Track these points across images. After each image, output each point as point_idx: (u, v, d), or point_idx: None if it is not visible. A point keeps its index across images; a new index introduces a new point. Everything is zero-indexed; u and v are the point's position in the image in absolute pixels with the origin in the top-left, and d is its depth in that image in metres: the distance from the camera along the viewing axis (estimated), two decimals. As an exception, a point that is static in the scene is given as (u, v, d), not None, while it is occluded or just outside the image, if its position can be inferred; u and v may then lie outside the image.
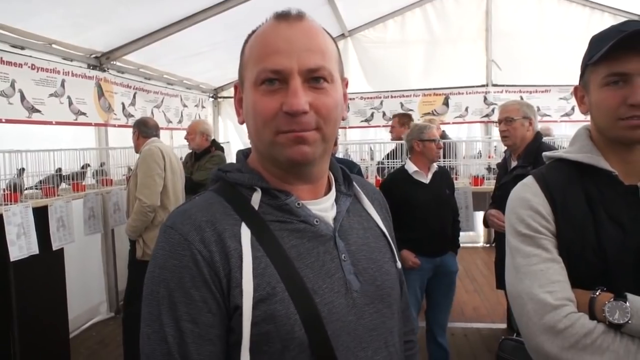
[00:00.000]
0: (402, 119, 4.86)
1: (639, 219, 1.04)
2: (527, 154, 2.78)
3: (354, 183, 0.97)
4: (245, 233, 0.79)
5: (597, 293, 1.01)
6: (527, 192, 1.15)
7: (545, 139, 3.07)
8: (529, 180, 1.18)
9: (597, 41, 1.09)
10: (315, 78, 0.79)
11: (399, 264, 0.97)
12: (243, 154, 0.92)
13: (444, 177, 3.22)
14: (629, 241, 1.04)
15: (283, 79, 0.78)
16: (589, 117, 1.18)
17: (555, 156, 1.21)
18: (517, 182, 1.22)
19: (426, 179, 3.10)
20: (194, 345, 0.76)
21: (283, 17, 0.81)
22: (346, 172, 0.96)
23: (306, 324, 0.77)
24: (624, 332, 0.96)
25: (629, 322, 0.95)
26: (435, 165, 3.15)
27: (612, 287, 1.01)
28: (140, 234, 3.25)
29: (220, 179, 0.89)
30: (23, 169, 3.15)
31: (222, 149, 4.39)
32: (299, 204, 0.84)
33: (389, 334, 0.89)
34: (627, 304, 0.96)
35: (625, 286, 1.01)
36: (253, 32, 0.86)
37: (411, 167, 3.11)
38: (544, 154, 1.26)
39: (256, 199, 0.83)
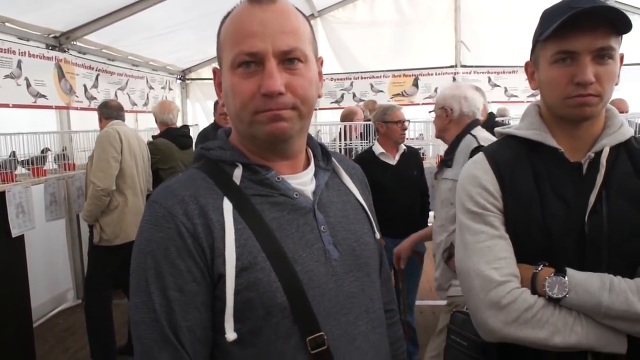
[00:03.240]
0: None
1: (582, 195, 1.06)
2: None
3: (333, 158, 1.00)
4: (228, 206, 0.83)
5: (539, 268, 1.03)
6: (477, 169, 1.17)
7: (500, 119, 3.13)
8: (480, 157, 1.20)
9: (547, 16, 1.09)
10: (289, 59, 0.82)
11: (378, 235, 1.01)
12: (225, 133, 0.95)
13: (413, 158, 3.22)
14: (572, 217, 1.06)
15: (259, 61, 0.81)
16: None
17: (505, 132, 1.23)
18: None
19: (393, 160, 3.11)
20: (181, 313, 0.80)
21: (256, 0, 0.83)
22: (325, 149, 0.99)
23: (287, 291, 0.81)
24: (562, 306, 0.99)
25: (567, 295, 0.98)
26: (403, 147, 3.16)
27: (556, 262, 1.04)
28: (97, 218, 3.16)
29: (203, 156, 0.92)
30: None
31: (172, 136, 3.94)
32: (278, 178, 0.88)
33: (369, 301, 0.92)
34: (566, 278, 0.99)
35: (567, 261, 1.03)
36: (227, 14, 0.88)
37: (378, 149, 3.12)
38: (496, 129, 1.27)
39: (237, 174, 0.87)
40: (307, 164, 0.95)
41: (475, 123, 2.36)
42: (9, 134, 3.39)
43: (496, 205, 1.12)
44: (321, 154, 0.97)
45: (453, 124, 2.39)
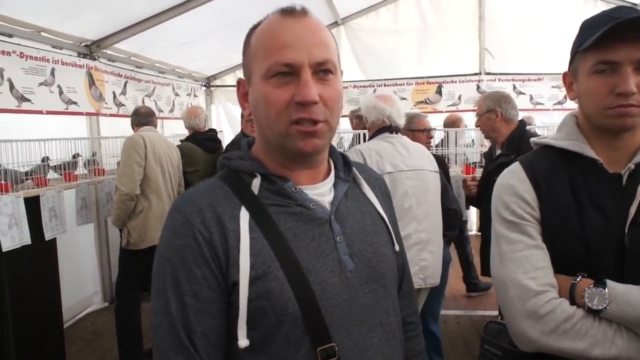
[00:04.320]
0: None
1: (622, 207, 1.06)
2: (510, 142, 2.82)
3: (354, 169, 1.00)
4: (244, 216, 0.85)
5: (578, 279, 1.03)
6: (513, 178, 1.16)
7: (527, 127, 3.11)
8: (516, 166, 1.19)
9: (587, 27, 1.09)
10: (323, 70, 0.85)
11: (397, 247, 1.01)
12: (248, 143, 0.97)
13: (439, 166, 3.21)
14: (611, 228, 1.05)
15: (294, 72, 0.83)
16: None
17: (542, 143, 1.22)
18: (502, 170, 1.23)
19: None
20: (196, 318, 0.82)
21: (289, 12, 0.86)
22: (347, 159, 1.00)
23: (300, 301, 0.82)
24: (602, 317, 0.98)
25: (607, 307, 0.97)
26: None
27: (594, 273, 1.03)
28: (125, 222, 3.25)
29: (225, 166, 0.95)
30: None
31: (198, 140, 4.08)
32: (295, 188, 0.89)
33: (383, 312, 0.92)
34: (606, 290, 0.98)
35: (606, 272, 1.02)
36: (255, 27, 0.90)
37: None
38: (532, 139, 1.26)
39: (256, 184, 0.89)
40: (328, 174, 0.95)
41: (381, 130, 2.58)
42: (42, 139, 3.48)
43: (533, 215, 1.11)
44: (342, 165, 0.98)
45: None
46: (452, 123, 4.73)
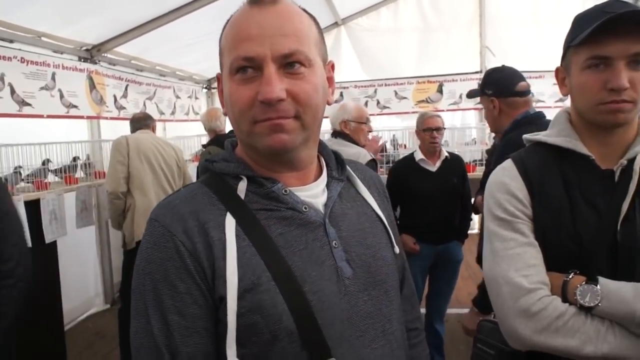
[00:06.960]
0: None
1: (614, 203, 1.05)
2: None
3: (348, 167, 0.94)
4: (230, 223, 0.78)
5: (570, 276, 1.02)
6: (505, 176, 1.16)
7: None
8: (508, 163, 1.19)
9: (580, 21, 1.09)
10: (290, 63, 0.77)
11: (397, 249, 0.95)
12: (231, 144, 0.91)
13: (455, 165, 3.18)
14: (604, 225, 1.04)
15: (257, 67, 0.76)
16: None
17: (534, 139, 1.21)
18: None
19: (433, 167, 3.10)
20: (181, 338, 0.75)
21: (255, 1, 0.79)
22: (339, 157, 0.93)
23: (294, 313, 0.76)
24: (594, 314, 0.98)
25: (599, 304, 0.96)
26: (445, 153, 3.15)
27: (587, 270, 1.02)
28: (120, 223, 3.35)
29: (207, 169, 0.88)
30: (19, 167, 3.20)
31: (221, 143, 4.15)
32: (285, 190, 0.83)
33: (386, 321, 0.86)
34: (598, 287, 0.97)
35: (599, 269, 1.02)
36: (228, 20, 0.84)
37: (418, 155, 3.13)
38: (524, 136, 1.26)
39: (242, 187, 0.82)
40: (319, 174, 0.89)
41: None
42: (45, 143, 3.50)
43: (525, 213, 1.11)
44: (335, 163, 0.92)
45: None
46: None
